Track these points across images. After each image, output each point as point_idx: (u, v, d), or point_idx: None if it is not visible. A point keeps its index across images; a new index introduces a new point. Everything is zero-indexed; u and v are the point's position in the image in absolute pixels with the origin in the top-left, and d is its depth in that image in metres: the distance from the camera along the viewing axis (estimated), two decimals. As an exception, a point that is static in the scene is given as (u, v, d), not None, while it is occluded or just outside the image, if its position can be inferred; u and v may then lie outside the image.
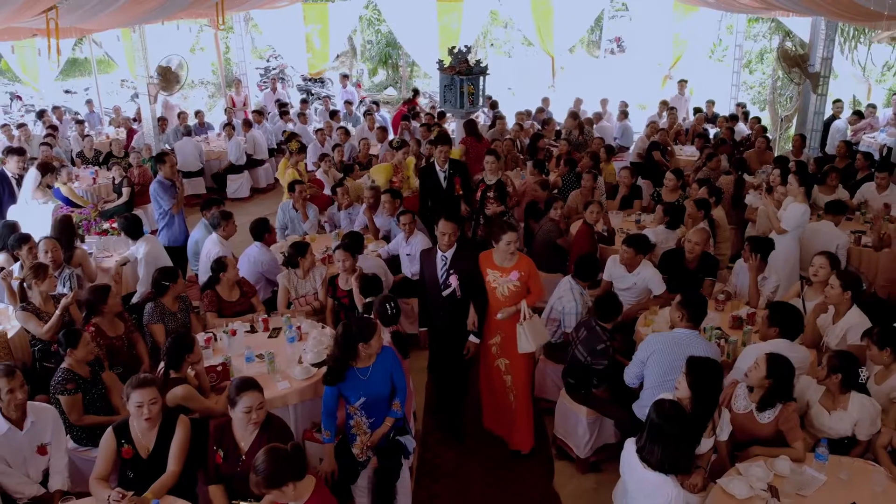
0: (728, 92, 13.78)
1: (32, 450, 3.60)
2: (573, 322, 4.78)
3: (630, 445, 3.23)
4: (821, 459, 3.43)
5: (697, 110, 11.80)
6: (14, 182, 7.33)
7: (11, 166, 7.32)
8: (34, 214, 6.67)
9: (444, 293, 4.52)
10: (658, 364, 3.99)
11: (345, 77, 15.59)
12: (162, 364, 4.00)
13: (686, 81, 13.45)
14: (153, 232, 7.36)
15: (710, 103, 12.49)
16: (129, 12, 7.01)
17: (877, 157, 9.16)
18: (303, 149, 8.97)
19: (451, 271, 4.47)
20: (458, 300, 4.52)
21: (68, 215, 6.23)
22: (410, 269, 6.05)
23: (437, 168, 6.79)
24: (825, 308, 4.47)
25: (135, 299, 5.95)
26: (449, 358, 4.74)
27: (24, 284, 4.97)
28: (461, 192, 6.87)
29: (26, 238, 5.41)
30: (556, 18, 13.87)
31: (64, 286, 5.25)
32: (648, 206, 7.43)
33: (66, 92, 17.61)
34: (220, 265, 5.12)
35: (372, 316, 4.22)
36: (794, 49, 10.36)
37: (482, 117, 12.11)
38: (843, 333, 4.31)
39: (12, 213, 6.69)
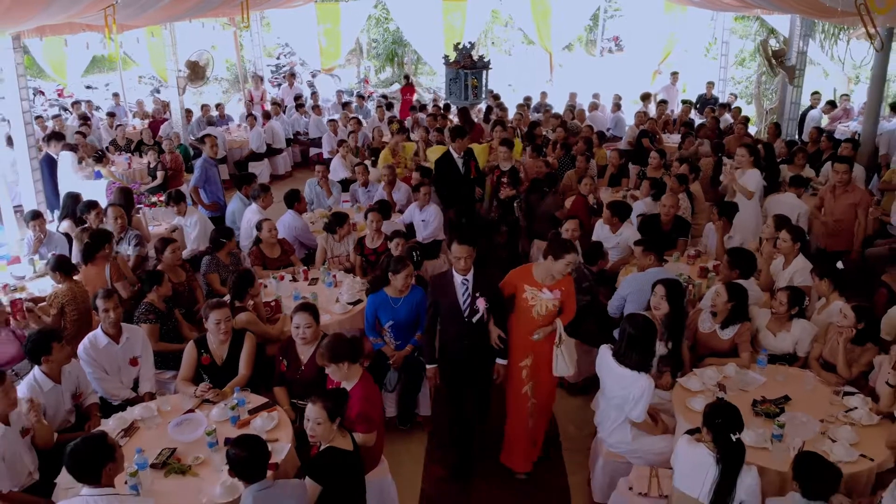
0: (717, 87, 14.62)
1: (126, 361, 4.43)
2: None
3: (605, 350, 4.02)
4: (761, 364, 4.29)
5: (685, 101, 12.65)
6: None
7: (55, 149, 8.19)
8: (89, 189, 7.54)
9: (474, 319, 4.15)
10: (635, 302, 4.87)
11: (328, 70, 16.77)
12: (227, 296, 4.85)
13: (677, 73, 14.33)
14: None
15: (710, 84, 13.57)
16: (171, 9, 7.86)
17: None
18: (402, 129, 9.73)
19: (477, 294, 4.13)
20: (485, 325, 4.19)
21: (127, 186, 7.08)
22: (423, 233, 6.95)
23: (455, 156, 7.60)
24: (775, 255, 5.34)
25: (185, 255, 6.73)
26: (471, 389, 4.41)
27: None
28: (476, 175, 7.62)
29: (94, 204, 6.28)
30: (554, 16, 14.77)
31: (128, 245, 6.10)
32: (635, 184, 8.29)
33: (88, 88, 18.45)
34: (259, 226, 5.99)
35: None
36: (774, 45, 11.18)
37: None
38: (791, 276, 5.17)
39: (71, 189, 7.53)
